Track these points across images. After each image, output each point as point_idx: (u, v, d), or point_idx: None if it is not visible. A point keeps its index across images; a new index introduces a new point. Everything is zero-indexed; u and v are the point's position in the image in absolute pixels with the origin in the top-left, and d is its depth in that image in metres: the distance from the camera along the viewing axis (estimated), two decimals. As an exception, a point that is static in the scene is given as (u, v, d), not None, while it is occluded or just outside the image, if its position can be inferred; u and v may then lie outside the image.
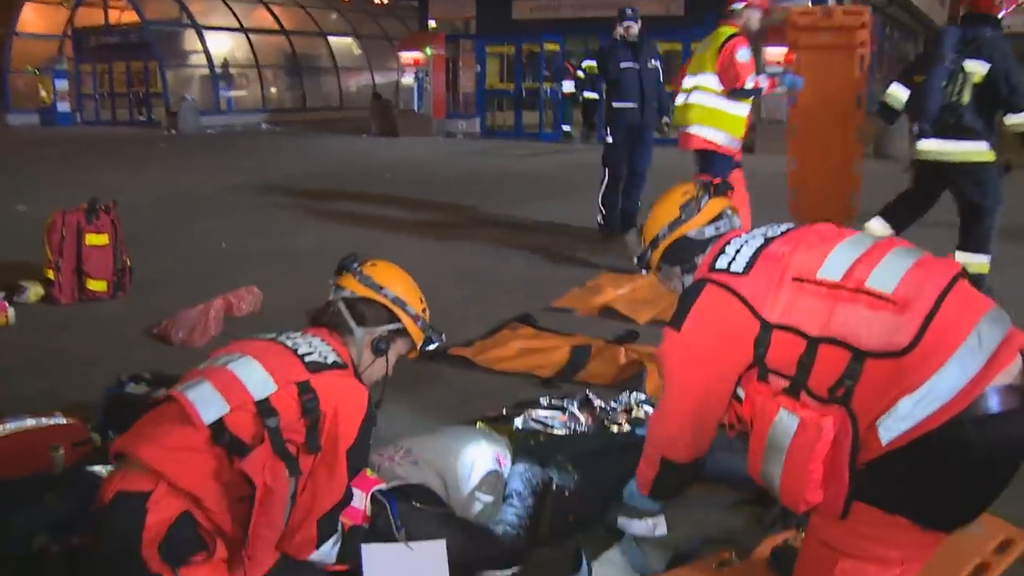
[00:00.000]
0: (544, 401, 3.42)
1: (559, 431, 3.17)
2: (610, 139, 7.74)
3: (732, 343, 2.08)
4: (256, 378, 2.14)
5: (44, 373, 4.32)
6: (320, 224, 8.48)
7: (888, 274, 1.95)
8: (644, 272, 2.65)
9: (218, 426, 2.06)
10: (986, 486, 1.89)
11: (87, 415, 3.23)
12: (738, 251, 2.16)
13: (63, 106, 23.73)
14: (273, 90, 25.99)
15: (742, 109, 6.47)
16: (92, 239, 5.47)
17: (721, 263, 2.16)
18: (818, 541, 2.04)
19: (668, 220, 2.49)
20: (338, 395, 2.18)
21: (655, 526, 2.72)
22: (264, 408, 2.10)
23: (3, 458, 2.68)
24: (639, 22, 7.67)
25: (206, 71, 23.85)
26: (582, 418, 3.27)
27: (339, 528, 2.25)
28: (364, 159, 15.29)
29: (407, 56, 20.05)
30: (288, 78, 26.35)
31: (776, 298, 2.03)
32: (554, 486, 2.72)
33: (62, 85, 23.66)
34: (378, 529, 2.38)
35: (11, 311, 5.07)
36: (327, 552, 2.22)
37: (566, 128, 19.34)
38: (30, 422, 2.94)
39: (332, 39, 27.34)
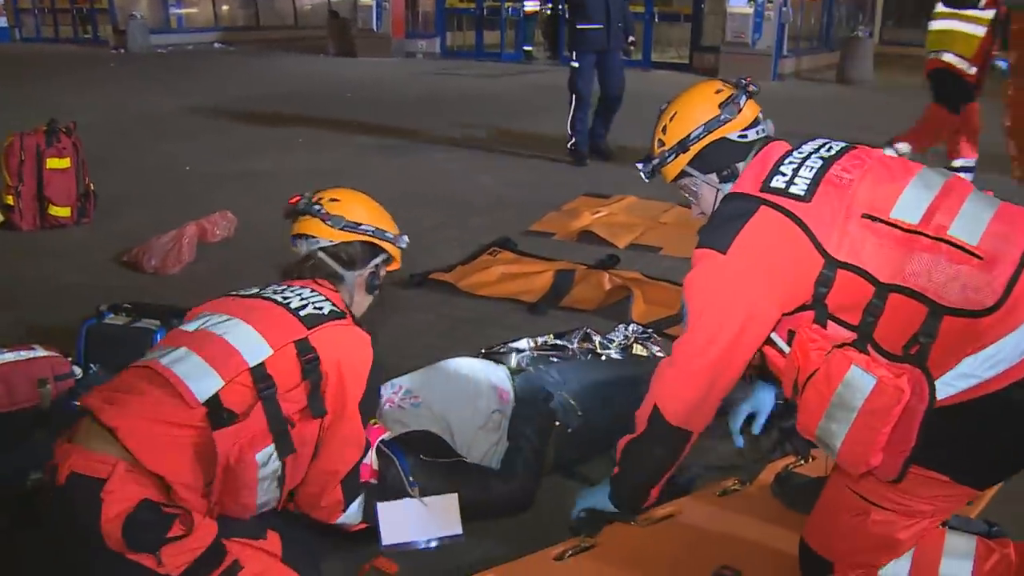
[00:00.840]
0: (543, 339, 3.35)
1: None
2: (575, 63, 7.53)
3: (787, 278, 1.89)
4: (247, 340, 1.96)
5: (10, 302, 4.18)
6: (282, 145, 8.27)
7: (972, 224, 1.81)
8: (647, 181, 2.29)
9: (214, 403, 1.88)
10: None
11: (64, 346, 3.11)
12: (796, 171, 1.94)
13: (0, 21, 22.79)
14: (225, 7, 25.11)
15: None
16: (53, 163, 5.26)
17: (777, 183, 1.94)
18: (849, 490, 1.95)
19: (704, 119, 2.12)
20: (341, 349, 2.04)
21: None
22: (259, 375, 1.93)
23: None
24: None
25: (155, -14, 22.98)
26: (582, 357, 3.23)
27: (360, 485, 2.19)
28: (323, 79, 14.91)
29: (367, -28, 19.45)
30: (241, -6, 25.51)
31: (843, 232, 1.85)
32: (556, 423, 2.67)
33: (-3, -1, 22.72)
34: (388, 484, 2.33)
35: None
36: (354, 513, 2.17)
37: (527, 48, 19.05)
38: (8, 356, 2.82)
39: (287, -46, 26.47)
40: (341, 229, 2.27)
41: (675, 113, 2.17)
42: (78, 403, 1.98)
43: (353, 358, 2.06)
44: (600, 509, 2.29)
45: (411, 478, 2.33)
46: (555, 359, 3.14)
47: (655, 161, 2.21)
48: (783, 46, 16.65)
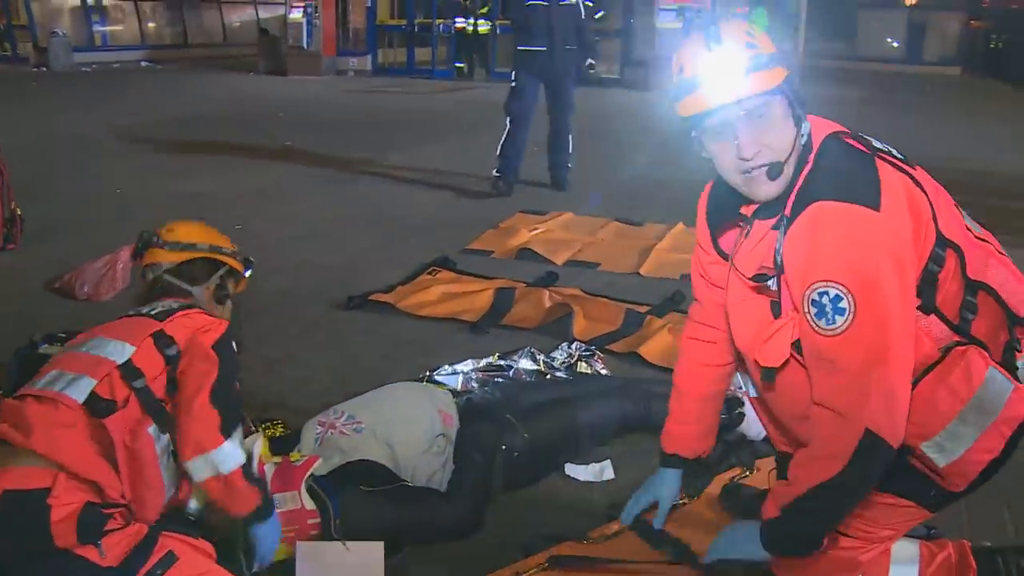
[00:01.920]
0: (487, 360, 3.36)
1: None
2: (514, 83, 7.07)
3: (914, 249, 1.65)
4: (112, 348, 2.12)
5: (-64, 332, 4.06)
6: (216, 166, 8.17)
7: None
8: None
9: (92, 399, 2.01)
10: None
11: (-5, 377, 3.04)
12: (879, 141, 1.77)
13: (-92, 38, 22.11)
14: (151, 25, 24.73)
15: None
16: (-24, 187, 5.12)
17: (879, 145, 1.75)
18: None
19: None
20: (191, 326, 2.19)
21: (602, 470, 2.76)
22: (128, 370, 2.07)
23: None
24: None
25: (77, 3, 22.47)
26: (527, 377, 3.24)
27: (241, 423, 2.17)
28: (254, 98, 14.77)
29: (297, -9, 19.35)
30: (168, 12, 25.06)
31: (939, 210, 1.69)
32: (503, 446, 2.67)
33: (-93, 14, 22.01)
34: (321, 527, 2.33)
35: None
36: (232, 452, 2.05)
37: (459, 64, 19.14)
38: (-62, 387, 2.75)
39: (213, -29, 26.17)
40: (179, 251, 2.45)
41: (756, 27, 1.78)
42: None
43: (203, 330, 2.19)
44: (744, 558, 2.00)
45: (338, 521, 2.31)
46: (499, 380, 3.15)
47: (754, 56, 1.69)
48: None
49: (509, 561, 2.32)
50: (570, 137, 7.25)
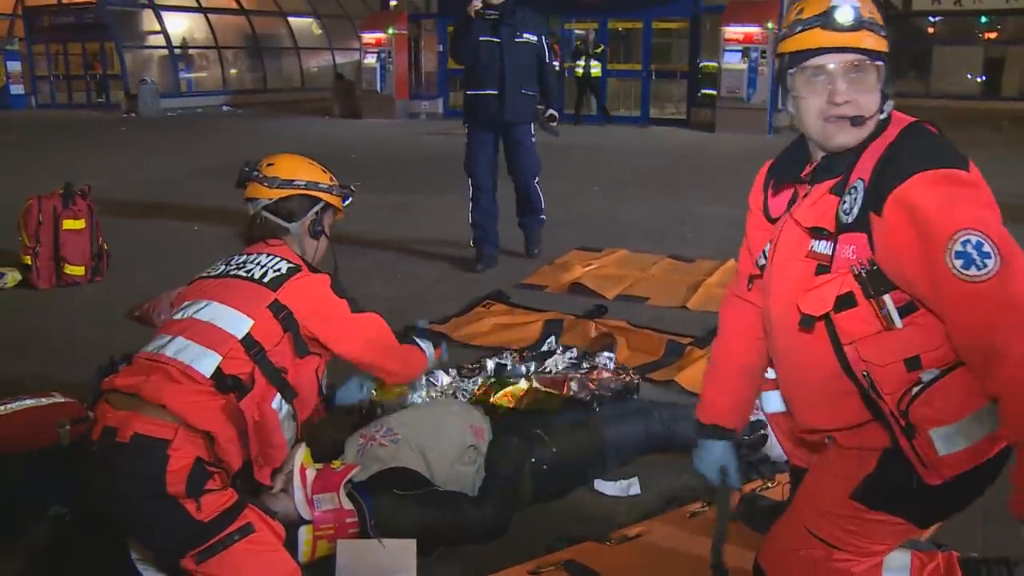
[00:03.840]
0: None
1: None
2: (467, 140, 6.11)
3: None
4: (231, 319, 2.31)
5: (29, 356, 4.42)
6: (290, 206, 8.55)
7: None
8: (850, 20, 1.80)
9: (218, 375, 2.23)
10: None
11: (79, 395, 3.34)
12: None
13: (16, 88, 23.41)
14: (233, 71, 25.83)
15: None
16: (69, 224, 5.55)
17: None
18: (809, 533, 2.01)
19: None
20: (307, 295, 2.39)
21: (629, 487, 2.93)
22: (249, 343, 2.29)
23: (10, 435, 2.80)
24: None
25: (165, 52, 23.65)
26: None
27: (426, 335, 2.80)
28: (329, 140, 15.30)
29: (369, 36, 20.03)
30: (248, 59, 26.18)
31: None
32: (532, 459, 2.86)
33: (15, 66, 23.36)
34: (358, 526, 2.53)
35: (-10, 296, 5.15)
36: (428, 350, 2.89)
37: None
38: (29, 402, 3.06)
39: (292, 19, 27.18)
40: (277, 187, 2.58)
41: None
42: (104, 386, 2.33)
43: (318, 296, 2.42)
44: None
45: (373, 521, 2.50)
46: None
47: (875, 20, 1.83)
48: (778, 100, 16.96)
49: (531, 557, 2.50)
50: (541, 197, 6.23)
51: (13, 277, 5.55)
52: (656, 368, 4.06)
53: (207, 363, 2.24)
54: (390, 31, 19.63)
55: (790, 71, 1.88)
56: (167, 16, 23.59)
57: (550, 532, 2.65)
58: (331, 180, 2.70)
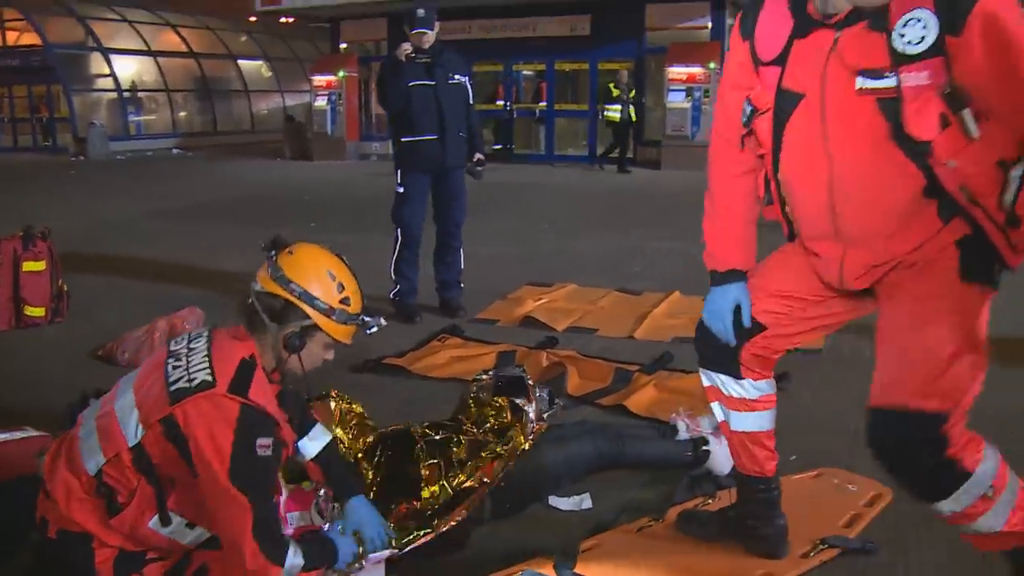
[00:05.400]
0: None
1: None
2: (401, 188, 5.78)
3: None
4: (130, 421, 2.19)
5: (-7, 395, 4.50)
6: (247, 246, 8.61)
7: None
8: None
9: (98, 478, 2.18)
10: None
11: (50, 432, 3.45)
12: None
13: (-42, 132, 23.19)
14: (183, 114, 25.83)
15: None
16: (29, 266, 5.62)
17: None
18: (928, 350, 2.08)
19: None
20: (198, 420, 2.13)
21: (582, 501, 3.12)
22: (137, 453, 2.16)
23: (-12, 466, 2.91)
24: (436, 28, 5.63)
25: (114, 95, 23.58)
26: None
27: (286, 537, 2.27)
28: (281, 182, 15.45)
29: (320, 79, 20.25)
30: (198, 102, 26.20)
31: None
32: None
33: (-42, 110, 23.13)
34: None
35: (-49, 338, 5.20)
36: (294, 562, 2.20)
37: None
38: (3, 436, 3.17)
39: (242, 62, 27.34)
40: (274, 281, 2.32)
41: None
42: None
43: (210, 429, 2.11)
44: None
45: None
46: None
47: None
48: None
49: (491, 571, 2.67)
50: (461, 250, 6.03)
51: (-29, 319, 5.60)
52: (605, 394, 4.26)
53: (91, 462, 2.19)
54: (340, 74, 19.88)
55: None
56: (116, 59, 23.57)
57: (507, 545, 2.82)
58: (340, 303, 2.37)
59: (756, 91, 2.26)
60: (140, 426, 2.16)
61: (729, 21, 17.87)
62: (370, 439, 3.19)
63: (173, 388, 2.16)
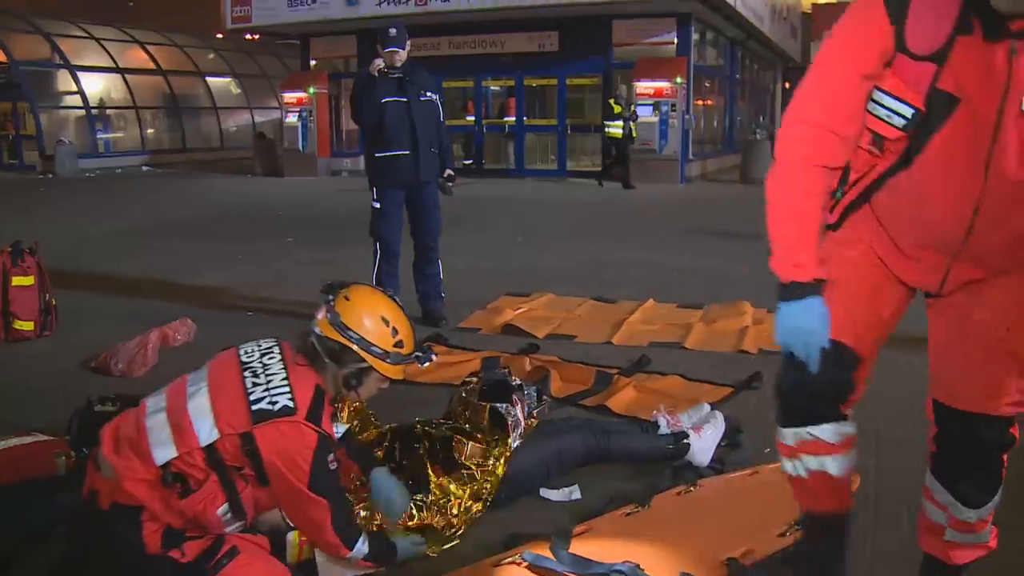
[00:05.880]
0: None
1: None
2: (377, 203, 5.94)
3: None
4: (204, 423, 2.38)
5: (-10, 407, 4.60)
6: (224, 261, 8.81)
7: None
8: None
9: (166, 468, 2.37)
10: None
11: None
12: None
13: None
14: (151, 131, 25.78)
15: None
16: (18, 280, 5.72)
17: None
18: None
19: None
20: (279, 446, 2.37)
21: (571, 492, 3.31)
22: (210, 452, 2.37)
23: (8, 468, 3.05)
24: (407, 46, 5.80)
25: (81, 112, 23.48)
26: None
27: (358, 527, 2.64)
28: (254, 198, 15.54)
29: (290, 95, 20.37)
30: (167, 119, 26.19)
31: None
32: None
33: (-80, 127, 22.94)
34: None
35: (-59, 353, 5.29)
36: (360, 549, 2.55)
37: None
38: (15, 441, 3.31)
39: (210, 79, 27.34)
40: (332, 326, 2.52)
41: None
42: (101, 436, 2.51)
43: (292, 452, 2.38)
44: None
45: None
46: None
47: None
48: (688, 150, 17.78)
49: (490, 555, 2.85)
50: (439, 261, 6.19)
51: (-40, 335, 5.69)
52: (587, 396, 4.45)
53: (163, 452, 2.36)
54: (311, 90, 20.02)
55: None
56: (83, 76, 23.48)
57: (503, 532, 3.01)
58: (394, 346, 2.57)
59: (896, 86, 1.95)
60: (215, 430, 2.37)
61: (695, 36, 18.27)
62: (373, 434, 3.36)
63: (255, 408, 2.39)
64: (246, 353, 2.56)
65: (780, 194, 2.08)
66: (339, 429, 2.91)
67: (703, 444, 3.49)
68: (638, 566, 2.62)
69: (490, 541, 2.98)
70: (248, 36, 25.57)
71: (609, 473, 3.46)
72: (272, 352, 2.56)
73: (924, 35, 1.87)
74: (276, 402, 2.39)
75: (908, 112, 1.94)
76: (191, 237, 10.62)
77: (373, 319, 2.56)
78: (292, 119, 20.34)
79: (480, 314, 6.35)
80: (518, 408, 3.32)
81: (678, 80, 16.80)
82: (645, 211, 12.93)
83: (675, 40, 18.00)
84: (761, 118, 27.51)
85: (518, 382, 3.53)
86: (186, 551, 2.40)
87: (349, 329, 2.52)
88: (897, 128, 1.96)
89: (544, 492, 3.31)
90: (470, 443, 3.26)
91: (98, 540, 2.45)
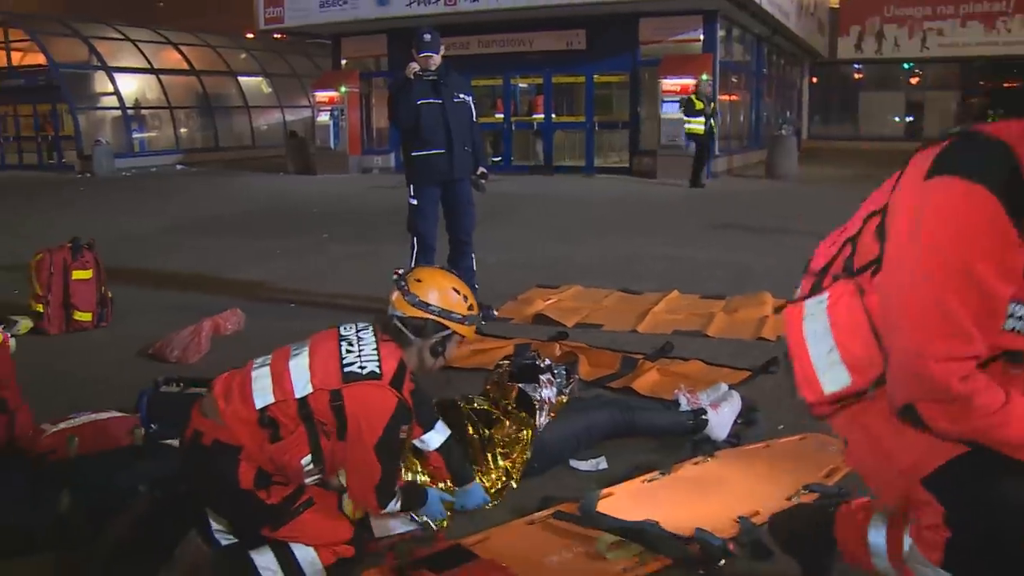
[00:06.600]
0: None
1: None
2: (413, 199, 6.22)
3: None
4: (301, 378, 2.72)
5: (59, 391, 4.93)
6: (262, 256, 9.16)
7: None
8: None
9: (263, 412, 2.70)
10: None
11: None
12: None
13: (-37, 150, 23.62)
14: (185, 130, 26.32)
15: None
16: (78, 274, 6.09)
17: None
18: None
19: None
20: (363, 405, 2.70)
21: (598, 463, 3.60)
22: (302, 404, 2.70)
23: (90, 438, 3.40)
24: (441, 51, 6.14)
25: (118, 113, 24.07)
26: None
27: (396, 490, 2.90)
28: (287, 196, 15.92)
29: (322, 94, 20.76)
30: (200, 118, 26.75)
31: None
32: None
33: (-36, 130, 23.59)
34: None
35: (12, 340, 5.61)
36: (392, 506, 2.88)
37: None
38: (94, 416, 3.65)
39: (242, 78, 27.85)
40: (413, 306, 2.90)
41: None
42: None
43: (372, 413, 2.70)
44: None
45: None
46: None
47: None
48: (715, 146, 17.93)
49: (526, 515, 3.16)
50: (473, 255, 6.39)
51: (26, 324, 6.05)
52: (614, 379, 4.73)
53: (262, 398, 2.70)
54: (343, 89, 20.38)
55: None
56: (119, 77, 24.05)
57: (536, 497, 3.32)
58: (468, 309, 2.96)
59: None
60: (310, 385, 2.70)
61: (722, 33, 18.44)
62: None
63: (346, 370, 2.73)
64: (344, 328, 2.91)
65: (983, 412, 1.76)
66: (442, 434, 3.26)
67: (720, 420, 3.76)
68: (657, 523, 2.91)
69: (523, 506, 3.28)
70: (277, 36, 26.00)
71: (634, 446, 3.75)
72: (367, 329, 2.91)
73: None
74: (365, 367, 2.74)
75: None
76: (228, 234, 11.00)
77: (446, 292, 2.95)
78: (324, 118, 20.72)
79: (512, 305, 6.64)
80: (546, 389, 3.62)
81: (704, 77, 16.98)
82: (671, 207, 13.16)
83: (701, 37, 18.19)
84: (788, 113, 27.60)
85: (547, 363, 3.82)
86: (272, 493, 2.73)
87: (430, 305, 2.90)
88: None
89: (573, 463, 3.61)
90: (506, 421, 3.55)
91: (198, 472, 2.79)
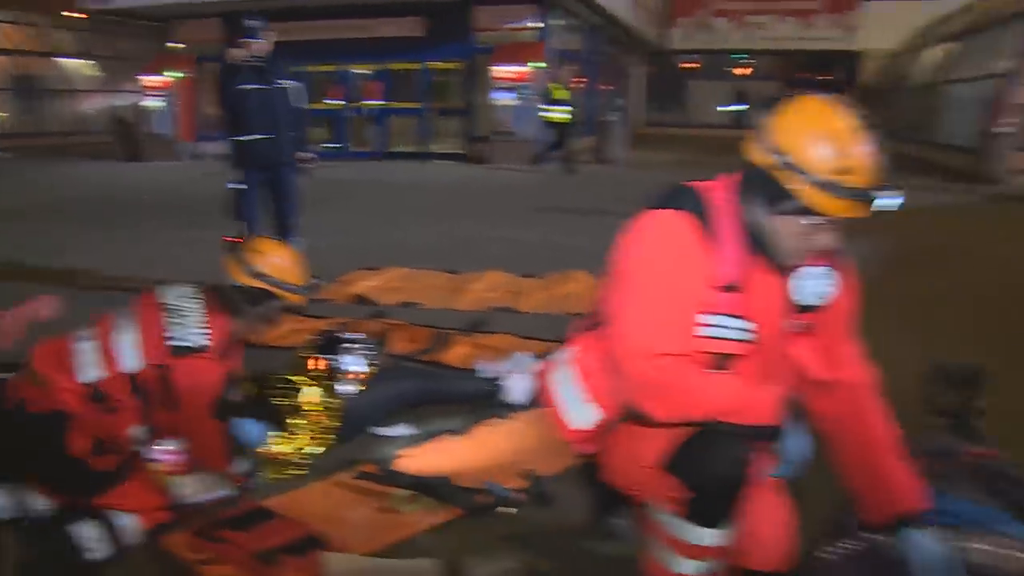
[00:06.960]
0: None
1: None
2: (239, 185, 6.32)
3: None
4: (129, 354, 2.87)
5: None
6: (90, 244, 8.94)
7: None
8: None
9: (93, 386, 2.85)
10: None
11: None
12: None
13: None
14: (3, 114, 24.94)
15: None
16: None
17: None
18: None
19: None
20: (192, 379, 2.86)
21: (404, 429, 3.85)
22: (132, 379, 2.86)
23: None
24: (267, 37, 6.17)
25: (-74, 95, 22.58)
26: None
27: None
28: (116, 183, 15.41)
29: (153, 79, 20.09)
30: (20, 101, 25.36)
31: None
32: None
33: None
34: None
35: None
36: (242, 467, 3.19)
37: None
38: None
39: (65, 60, 26.58)
40: (248, 276, 3.08)
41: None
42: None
43: (201, 385, 2.90)
44: None
45: None
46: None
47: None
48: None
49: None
50: (302, 240, 6.23)
51: None
52: (426, 353, 4.98)
53: (87, 373, 2.84)
54: (174, 74, 19.80)
55: (792, 205, 1.96)
56: (-72, 58, 22.55)
57: (343, 463, 3.54)
58: (297, 279, 3.17)
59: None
60: (138, 360, 2.84)
61: (557, 22, 18.87)
62: None
63: (175, 343, 2.88)
64: (169, 295, 3.02)
65: (683, 392, 2.02)
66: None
67: (517, 385, 4.06)
68: (448, 478, 3.18)
69: (330, 471, 3.49)
70: (99, 16, 24.90)
71: (440, 413, 4.01)
72: (193, 297, 3.03)
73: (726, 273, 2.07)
74: (193, 339, 2.89)
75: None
76: (53, 221, 10.60)
77: (281, 263, 3.16)
78: (152, 102, 20.08)
79: (333, 286, 6.77)
80: (350, 358, 3.84)
81: (540, 65, 17.33)
82: (504, 191, 13.53)
83: (539, 25, 18.56)
84: (617, 101, 28.51)
85: (354, 336, 4.03)
86: (101, 461, 2.84)
87: (263, 275, 3.08)
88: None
89: (381, 430, 3.83)
90: (313, 391, 3.74)
91: (18, 440, 2.84)
